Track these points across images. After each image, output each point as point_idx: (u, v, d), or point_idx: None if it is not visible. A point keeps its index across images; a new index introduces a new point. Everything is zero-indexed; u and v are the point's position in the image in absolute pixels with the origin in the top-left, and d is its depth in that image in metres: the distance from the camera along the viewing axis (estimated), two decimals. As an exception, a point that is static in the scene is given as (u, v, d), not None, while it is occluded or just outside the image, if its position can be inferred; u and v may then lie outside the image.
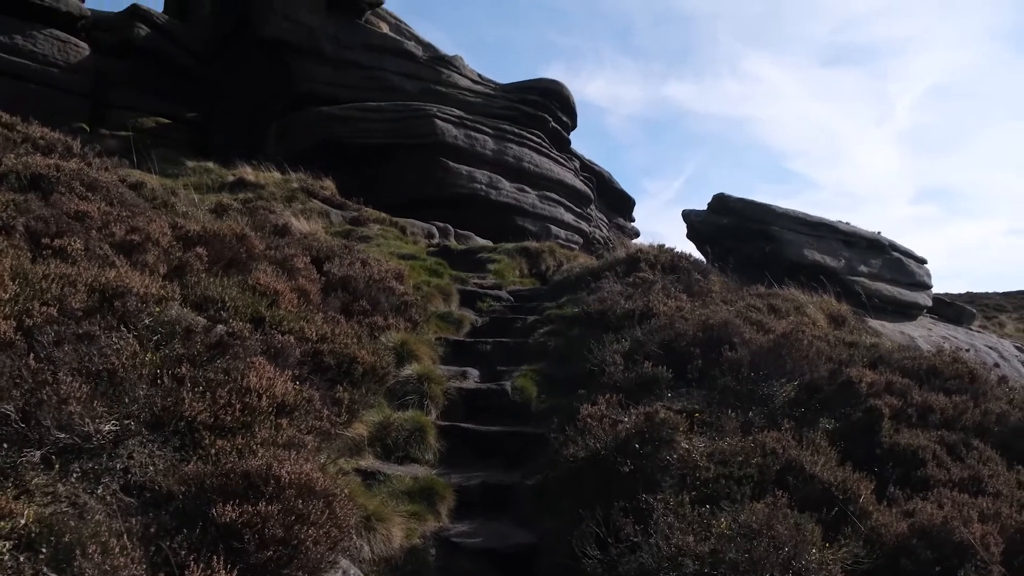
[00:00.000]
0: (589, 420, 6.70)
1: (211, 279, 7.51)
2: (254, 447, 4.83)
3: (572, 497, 6.35)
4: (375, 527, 5.62)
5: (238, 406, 5.23)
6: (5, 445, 4.09)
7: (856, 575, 5.16)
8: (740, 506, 5.54)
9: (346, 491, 4.80)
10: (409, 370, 8.56)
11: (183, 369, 5.34)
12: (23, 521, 3.56)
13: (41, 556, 3.51)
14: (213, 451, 4.82)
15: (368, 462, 6.95)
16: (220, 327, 6.04)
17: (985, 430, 8.23)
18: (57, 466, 4.15)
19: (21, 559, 3.43)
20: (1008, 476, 7.19)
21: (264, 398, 5.43)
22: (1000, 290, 61.32)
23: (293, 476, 4.44)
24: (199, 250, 7.82)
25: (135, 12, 30.31)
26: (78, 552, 3.53)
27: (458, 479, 7.15)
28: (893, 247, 31.93)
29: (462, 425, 8.22)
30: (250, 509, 4.12)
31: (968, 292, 59.47)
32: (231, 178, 19.72)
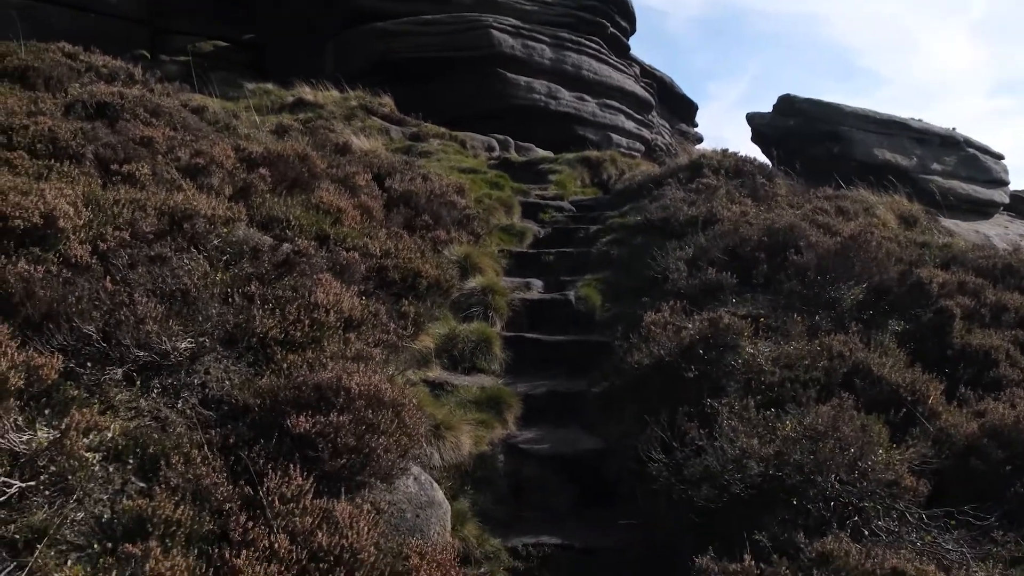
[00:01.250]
0: (653, 327, 6.72)
1: (275, 199, 7.63)
2: (324, 360, 4.97)
3: (637, 403, 6.41)
4: (444, 435, 5.78)
5: (307, 322, 5.37)
6: (89, 364, 4.28)
7: (924, 475, 5.15)
8: (806, 409, 5.53)
9: (414, 401, 4.93)
10: (473, 282, 8.64)
11: (252, 287, 5.49)
12: (110, 434, 3.74)
13: (128, 466, 3.70)
14: (285, 365, 4.98)
15: (436, 373, 7.10)
16: (286, 245, 6.16)
17: (1063, 328, 8.03)
18: (138, 382, 4.34)
19: (110, 469, 3.63)
20: (1085, 372, 7.03)
21: (331, 313, 5.56)
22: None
23: (362, 387, 4.56)
24: (262, 171, 7.92)
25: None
26: (163, 462, 3.72)
27: (524, 388, 7.27)
28: (968, 143, 30.71)
29: (527, 335, 8.31)
30: (322, 419, 4.27)
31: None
32: (290, 99, 19.74)
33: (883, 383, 6.11)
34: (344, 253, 6.82)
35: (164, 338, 4.55)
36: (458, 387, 6.79)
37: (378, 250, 7.33)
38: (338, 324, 5.60)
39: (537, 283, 9.72)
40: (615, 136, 27.89)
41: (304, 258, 5.99)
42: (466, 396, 6.67)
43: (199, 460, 3.79)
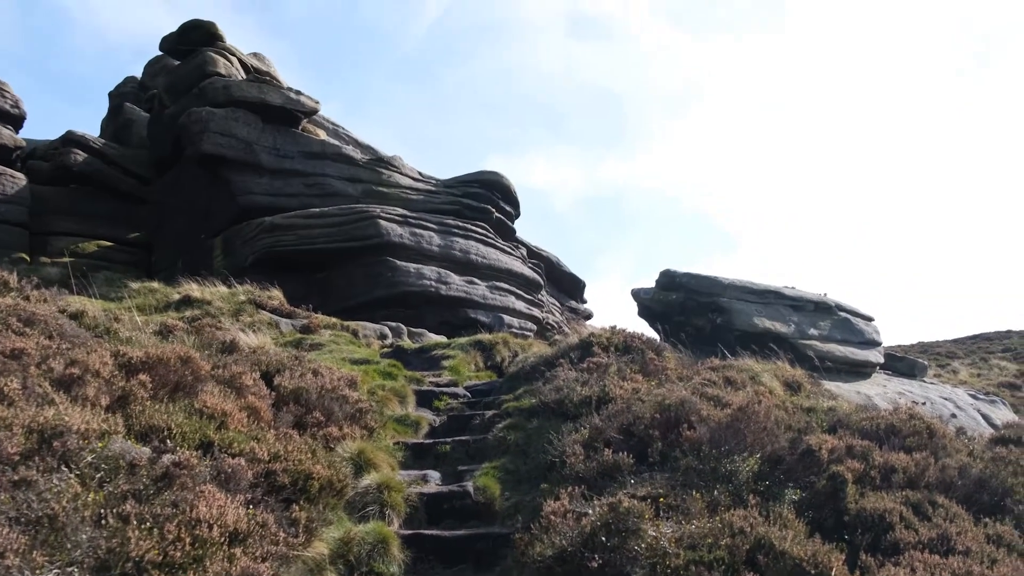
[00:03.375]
0: (553, 517, 6.58)
1: (156, 406, 7.33)
2: (205, 584, 4.65)
3: (543, 599, 6.19)
4: (339, 654, 5.39)
5: (188, 540, 5.05)
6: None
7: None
8: (712, 592, 5.44)
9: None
10: (368, 480, 8.36)
11: (128, 506, 5.15)
12: None
13: None
14: (168, 592, 4.63)
15: (330, 582, 6.71)
16: (166, 457, 5.86)
17: (948, 485, 8.27)
18: (-4, 626, 3.94)
19: None
20: (976, 531, 7.19)
21: (215, 528, 5.26)
22: (950, 337, 62.51)
23: (248, 612, 4.26)
24: (142, 377, 7.64)
25: (70, 138, 30.40)
26: None
27: (426, 590, 6.94)
28: (839, 307, 32.52)
29: (426, 532, 8.01)
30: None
31: (920, 342, 60.57)
32: (176, 296, 19.50)
33: (786, 557, 6.08)
34: (229, 460, 6.53)
35: (27, 572, 4.18)
36: (354, 597, 6.42)
37: (266, 454, 7.05)
38: (222, 539, 5.28)
39: (434, 475, 9.49)
40: (506, 317, 28.39)
41: (185, 470, 5.70)
42: (364, 606, 6.30)
43: None
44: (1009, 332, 59.75)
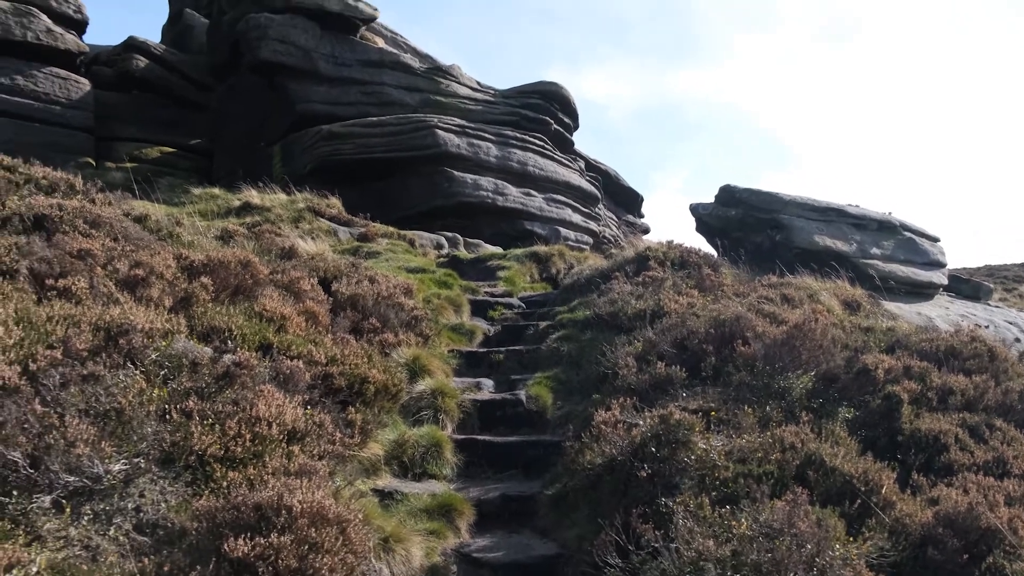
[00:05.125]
0: (604, 426, 6.64)
1: (217, 308, 7.50)
2: (265, 477, 4.81)
3: (591, 505, 6.29)
4: (394, 548, 5.58)
5: (248, 436, 5.21)
6: (15, 492, 4.07)
7: (882, 568, 5.08)
8: (760, 505, 5.46)
9: (360, 516, 4.76)
10: (422, 385, 8.52)
11: (191, 403, 5.33)
12: (35, 569, 3.54)
13: (53, 604, 3.49)
14: (225, 484, 4.81)
15: (385, 481, 6.92)
16: (227, 357, 6.02)
17: (1008, 409, 8.13)
18: (68, 509, 4.14)
19: (33, 608, 3.42)
20: (1033, 455, 7.08)
21: (274, 426, 5.41)
22: (1018, 261, 60.59)
23: (304, 505, 4.40)
24: (204, 280, 7.80)
25: (132, 44, 30.50)
26: (90, 597, 3.52)
27: (477, 493, 7.11)
28: (904, 227, 31.61)
29: (478, 437, 8.17)
30: (262, 541, 4.10)
31: (987, 265, 58.82)
32: (237, 203, 19.75)
33: (836, 474, 6.08)
34: (288, 362, 6.68)
35: (96, 461, 4.37)
36: (408, 495, 6.60)
37: (323, 357, 7.20)
38: (281, 437, 5.44)
39: (488, 383, 9.63)
40: (563, 230, 28.26)
41: (245, 370, 5.85)
42: (417, 504, 6.48)
43: (129, 593, 3.59)
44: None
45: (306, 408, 6.08)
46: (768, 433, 6.63)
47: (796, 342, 8.13)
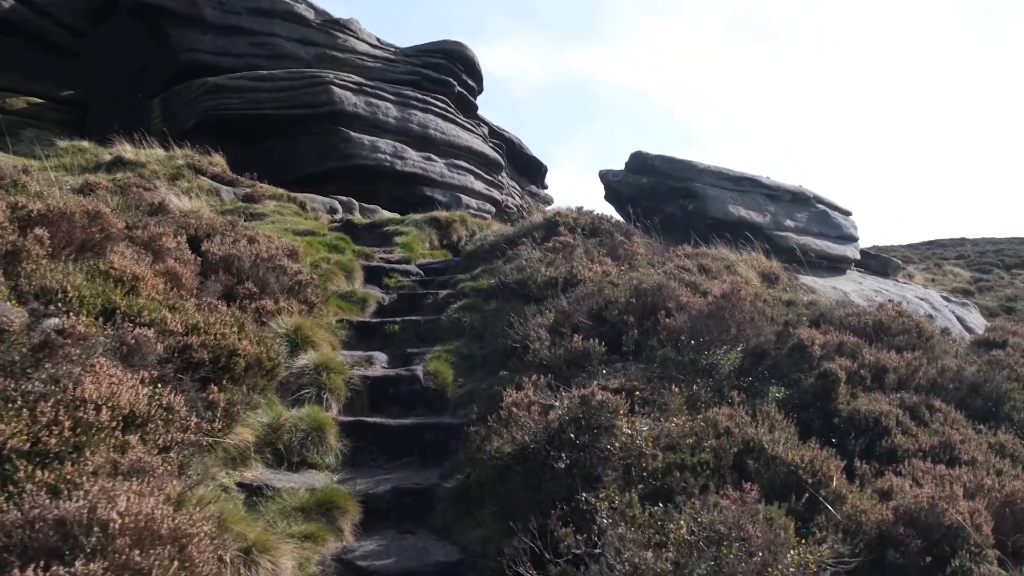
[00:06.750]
0: (515, 409, 5.69)
1: (53, 265, 6.23)
2: (79, 480, 3.69)
3: (500, 501, 5.40)
4: (257, 560, 4.52)
5: (67, 424, 4.07)
6: None
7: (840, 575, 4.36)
8: (698, 501, 4.66)
9: (207, 528, 3.70)
10: (304, 359, 7.43)
11: (-9, 381, 4.14)
12: None
13: None
14: (31, 487, 3.67)
15: (255, 474, 5.83)
16: (48, 322, 4.82)
17: (941, 388, 7.62)
18: None
19: None
20: (978, 439, 6.53)
21: (104, 410, 4.28)
22: (903, 242, 62.60)
23: (128, 518, 3.34)
24: (39, 231, 6.48)
25: (-4, -18, 27.81)
26: None
27: (364, 485, 6.09)
28: (818, 200, 31.44)
29: (368, 420, 7.14)
30: (63, 572, 3.01)
31: (874, 245, 60.53)
32: (108, 157, 17.93)
33: (778, 463, 5.35)
34: (136, 330, 5.51)
35: None
36: (281, 491, 5.54)
37: (180, 325, 6.02)
38: (114, 424, 4.31)
39: (381, 357, 8.58)
40: (465, 197, 27.19)
41: (71, 339, 4.67)
42: (291, 502, 5.43)
43: None
44: (963, 239, 59.97)
45: (155, 387, 4.96)
46: (700, 416, 5.86)
47: (724, 314, 7.38)
